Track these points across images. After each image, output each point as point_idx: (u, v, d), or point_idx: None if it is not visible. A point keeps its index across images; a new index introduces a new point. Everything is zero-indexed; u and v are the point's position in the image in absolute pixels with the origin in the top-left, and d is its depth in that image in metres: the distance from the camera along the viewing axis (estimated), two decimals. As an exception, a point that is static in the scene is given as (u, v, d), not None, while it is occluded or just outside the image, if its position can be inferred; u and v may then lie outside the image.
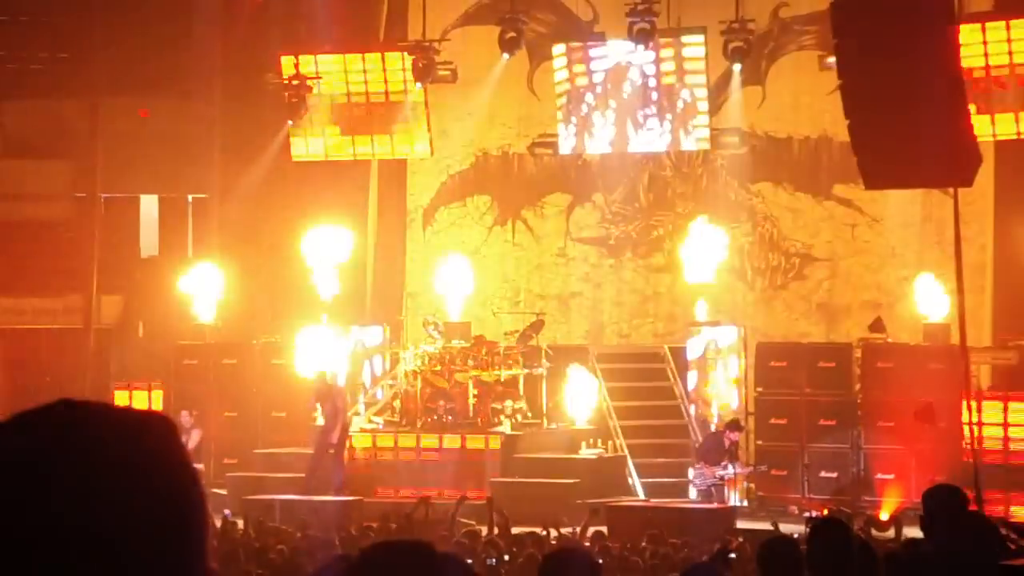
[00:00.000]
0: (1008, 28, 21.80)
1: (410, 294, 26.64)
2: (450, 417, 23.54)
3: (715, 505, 21.29)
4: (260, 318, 25.84)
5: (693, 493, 21.61)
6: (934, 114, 16.63)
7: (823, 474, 22.71)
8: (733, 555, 14.14)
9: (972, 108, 19.19)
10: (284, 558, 13.23)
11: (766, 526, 18.84)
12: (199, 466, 22.86)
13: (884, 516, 20.11)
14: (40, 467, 1.82)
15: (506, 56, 25.17)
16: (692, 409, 23.04)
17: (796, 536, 14.59)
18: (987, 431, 21.25)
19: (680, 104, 24.29)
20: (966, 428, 20.14)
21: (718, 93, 24.47)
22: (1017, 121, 21.75)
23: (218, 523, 17.89)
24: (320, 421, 23.15)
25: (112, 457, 1.85)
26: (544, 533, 16.40)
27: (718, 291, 24.11)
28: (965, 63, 19.05)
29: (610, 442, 23.35)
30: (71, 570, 1.80)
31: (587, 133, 25.00)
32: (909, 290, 23.13)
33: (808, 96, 23.70)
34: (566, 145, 25.05)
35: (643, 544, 15.85)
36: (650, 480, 22.77)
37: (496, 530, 16.60)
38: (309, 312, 25.70)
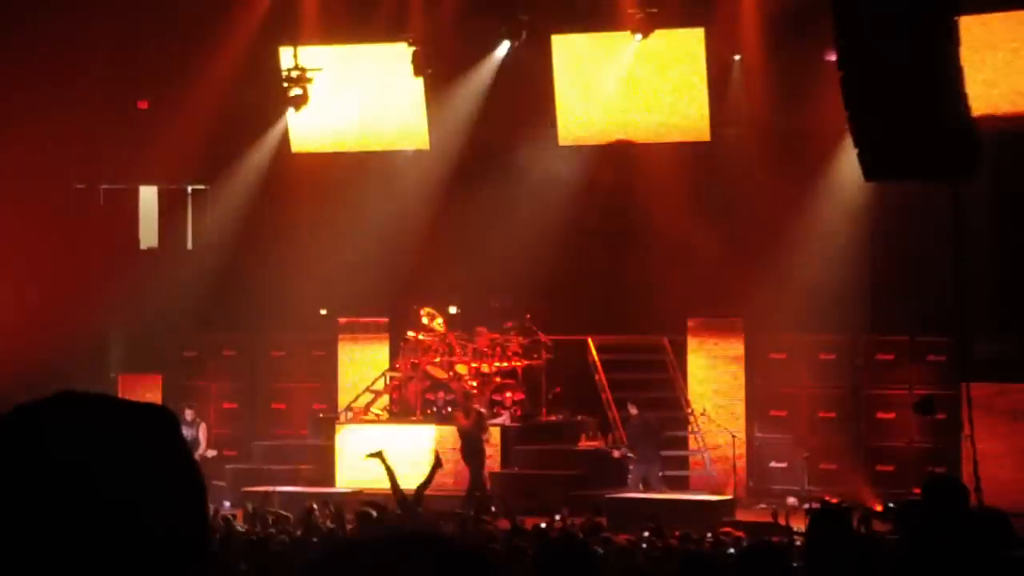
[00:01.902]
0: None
1: (411, 284, 26.57)
2: (449, 408, 23.56)
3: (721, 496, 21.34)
4: (259, 310, 25.84)
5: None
6: (935, 106, 16.62)
7: (822, 466, 22.74)
8: (731, 550, 14.15)
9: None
10: (285, 548, 13.23)
11: (766, 518, 18.89)
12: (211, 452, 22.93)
13: (883, 508, 20.11)
14: (41, 459, 1.81)
15: (505, 46, 25.16)
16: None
17: (788, 540, 14.62)
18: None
19: (680, 93, 24.28)
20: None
21: (719, 82, 24.47)
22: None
23: (218, 514, 17.90)
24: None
25: (113, 449, 1.84)
26: (544, 525, 16.42)
27: (719, 282, 24.11)
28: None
29: (610, 434, 23.36)
30: (74, 562, 1.79)
31: (587, 123, 24.99)
32: (910, 281, 23.14)
33: (811, 87, 23.66)
34: (565, 135, 25.04)
35: (644, 535, 15.87)
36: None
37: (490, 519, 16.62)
38: (310, 305, 25.76)
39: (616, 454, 22.09)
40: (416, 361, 24.15)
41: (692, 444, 23.78)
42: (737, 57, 24.76)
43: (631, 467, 21.75)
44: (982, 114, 18.79)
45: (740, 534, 16.94)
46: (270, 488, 21.67)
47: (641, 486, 21.63)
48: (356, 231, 26.24)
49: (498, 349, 23.85)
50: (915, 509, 7.49)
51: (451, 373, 23.95)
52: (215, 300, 25.80)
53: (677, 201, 24.77)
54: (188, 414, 23.25)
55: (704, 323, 24.04)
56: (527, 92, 25.31)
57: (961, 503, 7.39)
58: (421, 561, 2.01)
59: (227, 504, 20.40)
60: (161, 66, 25.38)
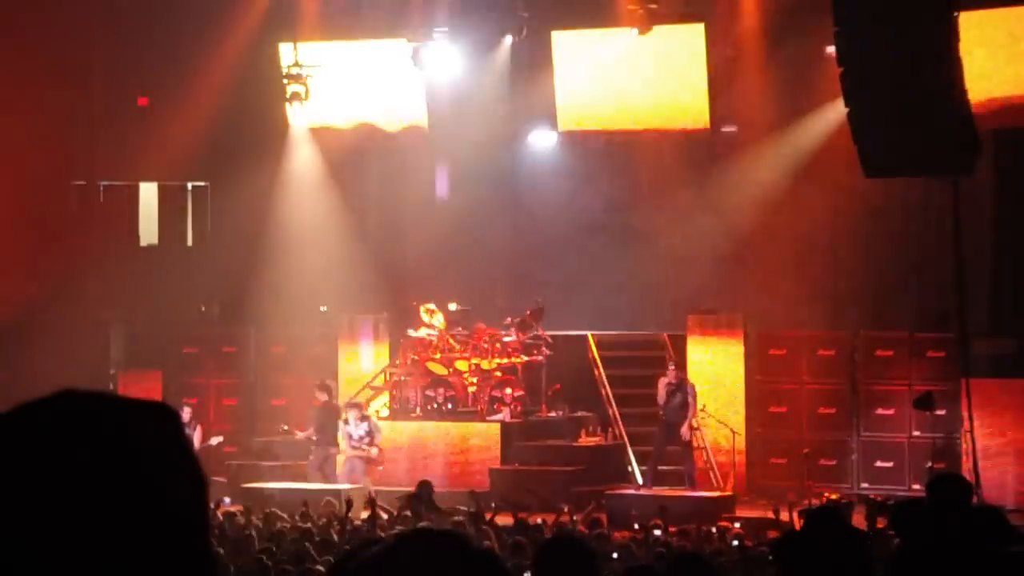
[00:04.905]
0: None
1: (411, 280, 26.58)
2: (449, 405, 23.55)
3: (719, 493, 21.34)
4: (259, 306, 25.84)
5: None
6: (934, 102, 16.64)
7: (823, 462, 22.73)
8: (736, 542, 14.16)
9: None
10: (288, 545, 13.22)
11: (767, 513, 18.89)
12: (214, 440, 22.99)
13: (883, 505, 20.12)
14: (43, 458, 1.81)
15: (506, 42, 25.14)
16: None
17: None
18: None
19: (681, 89, 24.27)
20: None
21: (719, 78, 24.45)
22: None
23: (218, 511, 17.90)
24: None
25: (114, 446, 1.84)
26: (542, 521, 16.41)
27: (719, 278, 24.11)
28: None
29: (610, 430, 23.35)
30: (75, 561, 1.79)
31: (587, 119, 24.98)
32: (910, 277, 23.15)
33: (810, 83, 23.68)
34: (565, 130, 25.02)
35: (647, 532, 15.86)
36: (650, 468, 22.76)
37: (492, 517, 16.61)
38: (310, 302, 25.76)
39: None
40: (416, 357, 24.15)
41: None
42: (737, 53, 24.75)
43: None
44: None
45: (738, 530, 16.95)
46: (270, 484, 21.66)
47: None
48: (356, 227, 26.22)
49: (497, 345, 23.82)
50: (913, 507, 7.49)
51: (451, 369, 23.93)
52: (215, 297, 25.79)
53: (677, 197, 24.77)
54: (186, 412, 23.28)
55: (704, 319, 24.01)
56: (527, 88, 25.29)
57: (965, 501, 7.39)
58: (446, 559, 2.01)
59: (227, 500, 20.39)
60: (161, 63, 25.35)
